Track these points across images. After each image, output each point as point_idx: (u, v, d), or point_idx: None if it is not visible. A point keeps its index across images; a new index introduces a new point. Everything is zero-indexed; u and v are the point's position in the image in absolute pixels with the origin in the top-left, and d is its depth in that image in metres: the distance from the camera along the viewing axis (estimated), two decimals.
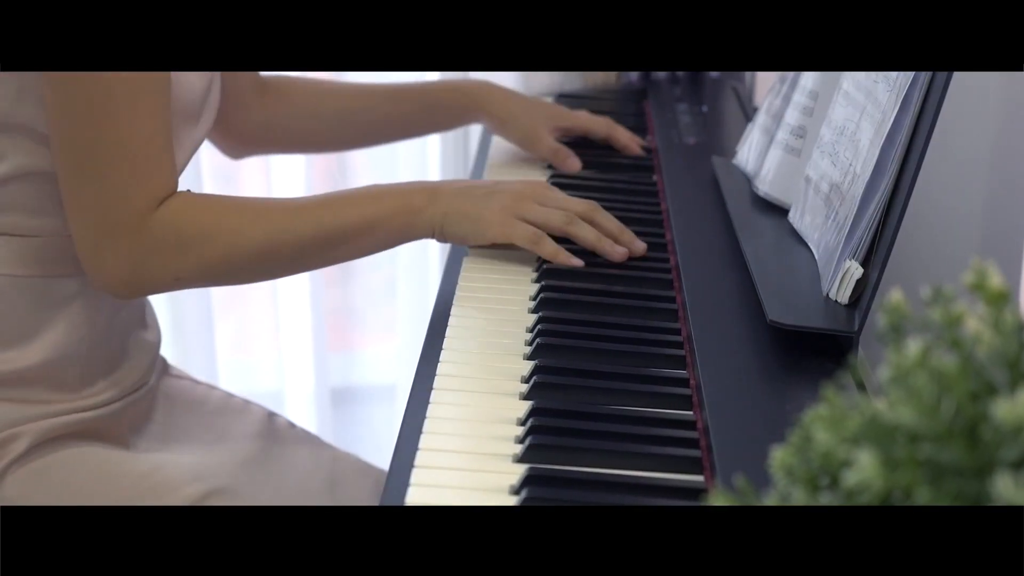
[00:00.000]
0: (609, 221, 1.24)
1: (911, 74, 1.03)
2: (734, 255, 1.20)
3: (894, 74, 1.07)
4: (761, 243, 1.20)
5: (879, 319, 0.58)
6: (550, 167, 1.50)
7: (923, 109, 1.01)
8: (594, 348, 1.07)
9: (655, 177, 1.48)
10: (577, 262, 1.21)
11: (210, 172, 2.21)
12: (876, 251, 1.02)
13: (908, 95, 1.03)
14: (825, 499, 0.57)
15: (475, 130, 1.96)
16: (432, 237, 1.21)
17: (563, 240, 1.23)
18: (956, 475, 0.53)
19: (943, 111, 1.00)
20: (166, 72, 1.11)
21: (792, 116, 1.29)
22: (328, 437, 2.23)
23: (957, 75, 1.00)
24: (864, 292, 1.02)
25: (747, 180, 1.35)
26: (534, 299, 1.16)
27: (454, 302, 1.16)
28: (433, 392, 1.00)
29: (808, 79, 1.28)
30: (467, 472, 0.90)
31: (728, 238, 1.24)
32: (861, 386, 0.96)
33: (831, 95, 1.21)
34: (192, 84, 1.18)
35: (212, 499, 1.20)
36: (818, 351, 1.03)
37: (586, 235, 1.22)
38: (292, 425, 1.40)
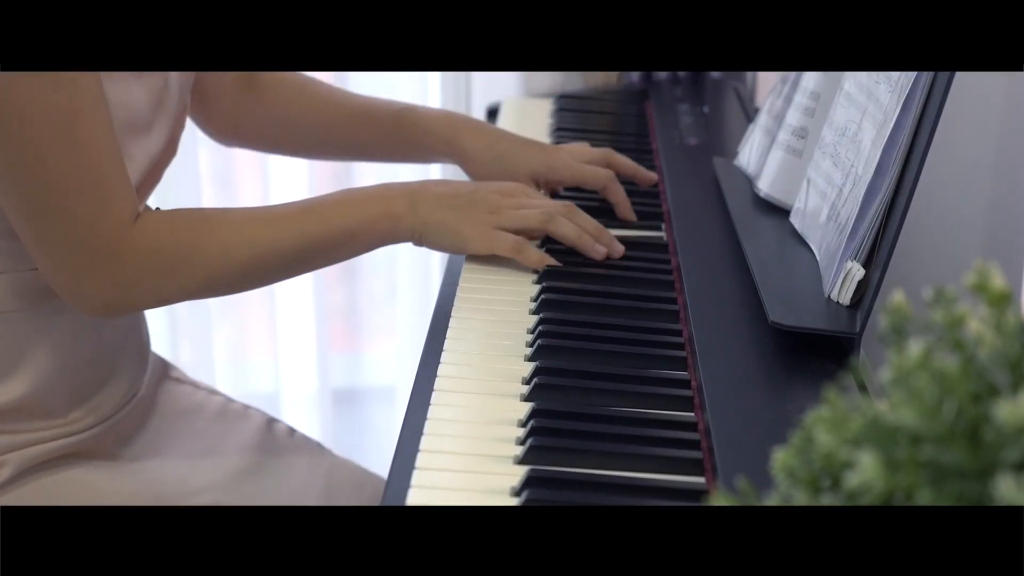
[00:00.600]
0: (588, 221, 1.24)
1: (913, 75, 1.03)
2: (735, 256, 1.20)
3: (896, 75, 1.07)
4: (762, 244, 1.20)
5: (881, 320, 0.58)
6: None
7: (925, 110, 1.01)
8: (595, 349, 1.06)
9: (656, 178, 1.48)
10: (557, 263, 1.20)
11: (209, 176, 2.21)
12: (878, 252, 1.02)
13: (910, 96, 1.02)
14: (826, 501, 0.57)
15: None
16: (412, 242, 1.20)
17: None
18: (958, 477, 0.53)
19: (945, 112, 0.99)
20: (98, 91, 1.06)
21: (793, 117, 1.28)
22: (329, 438, 2.23)
23: (959, 76, 1.00)
24: (866, 293, 1.02)
25: (748, 181, 1.35)
26: (535, 300, 1.16)
27: (455, 304, 1.16)
28: (434, 393, 1.00)
29: (809, 80, 1.28)
30: (468, 474, 0.90)
31: (729, 239, 1.24)
32: (863, 387, 0.96)
33: (833, 96, 1.21)
34: (133, 96, 1.14)
35: None
36: (819, 352, 1.03)
37: (566, 231, 1.21)
38: (292, 432, 1.39)
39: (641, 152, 1.56)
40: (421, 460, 0.91)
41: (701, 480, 0.90)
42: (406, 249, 2.16)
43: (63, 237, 1.07)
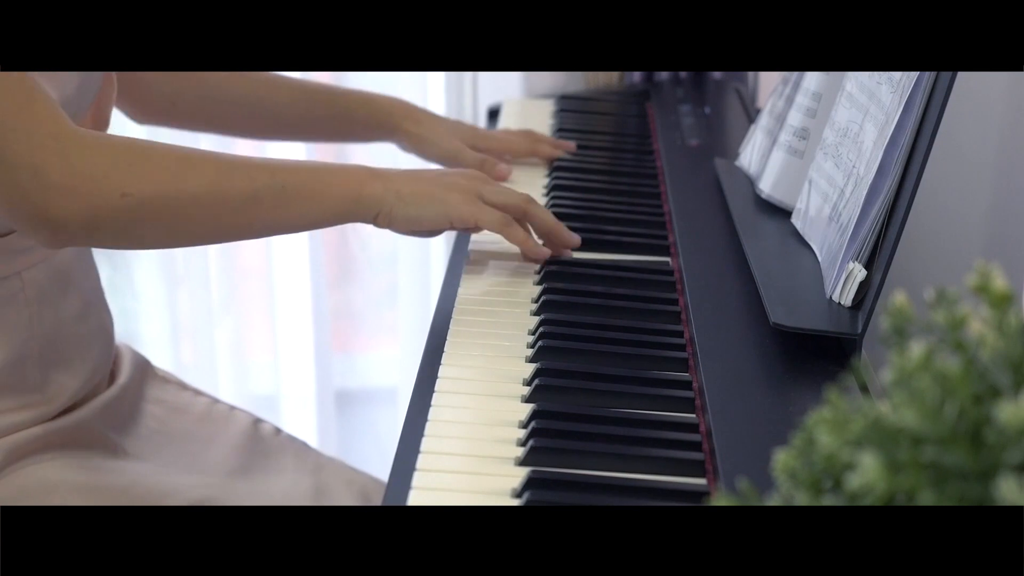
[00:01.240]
0: (545, 216, 1.23)
1: (914, 76, 1.03)
2: (737, 257, 1.20)
3: (897, 75, 1.06)
4: (764, 245, 1.19)
5: (882, 321, 0.58)
6: (551, 166, 1.49)
7: (927, 111, 1.01)
8: (596, 350, 1.06)
9: (658, 179, 1.48)
10: (545, 252, 1.21)
11: None
12: (879, 253, 1.02)
13: (912, 96, 1.02)
14: (828, 502, 0.57)
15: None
16: (373, 221, 1.16)
17: None
18: (960, 478, 0.53)
19: (946, 113, 0.99)
20: None
21: (795, 118, 1.28)
22: (330, 440, 2.23)
23: (960, 77, 1.00)
24: (867, 294, 1.02)
25: (750, 182, 1.35)
26: (536, 301, 1.16)
27: (456, 305, 1.16)
28: (435, 395, 1.00)
29: (811, 80, 1.28)
30: (469, 475, 0.90)
31: (731, 240, 1.24)
32: (864, 389, 0.96)
33: (834, 97, 1.21)
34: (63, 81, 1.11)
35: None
36: (821, 353, 1.02)
37: (544, 218, 1.22)
38: (278, 431, 1.39)
39: (642, 153, 1.56)
40: (422, 461, 0.91)
41: (702, 482, 0.90)
42: (407, 249, 2.16)
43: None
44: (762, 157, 1.34)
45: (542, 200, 1.40)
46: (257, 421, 1.38)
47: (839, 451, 0.56)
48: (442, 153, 1.44)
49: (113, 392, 1.26)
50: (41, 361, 1.19)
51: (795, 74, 1.33)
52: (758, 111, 1.52)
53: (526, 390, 1.00)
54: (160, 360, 1.40)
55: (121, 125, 1.37)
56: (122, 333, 1.80)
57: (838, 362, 1.01)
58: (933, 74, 1.01)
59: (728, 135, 1.65)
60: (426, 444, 0.93)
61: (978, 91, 1.25)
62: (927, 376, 0.54)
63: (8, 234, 1.15)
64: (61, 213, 1.05)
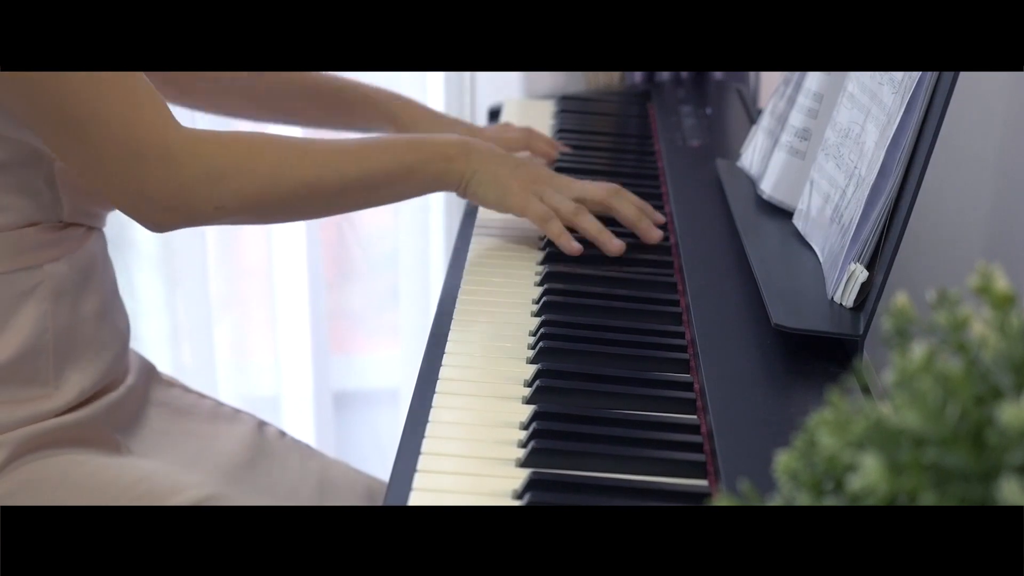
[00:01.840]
0: (628, 207, 1.28)
1: (916, 76, 1.03)
2: (738, 258, 1.19)
3: (899, 76, 1.06)
4: (765, 246, 1.19)
5: (884, 322, 0.58)
6: (552, 168, 1.49)
7: (928, 111, 1.01)
8: (597, 352, 1.06)
9: (659, 180, 1.48)
10: (576, 247, 1.24)
11: None
12: (881, 254, 1.02)
13: (913, 97, 1.02)
14: (829, 503, 0.56)
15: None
16: (456, 190, 1.25)
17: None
18: (961, 479, 0.53)
19: (948, 114, 0.99)
20: None
21: (796, 118, 1.28)
22: (330, 441, 2.23)
23: (962, 77, 1.00)
24: (869, 295, 1.02)
25: (751, 183, 1.35)
26: (537, 302, 1.16)
27: (457, 305, 1.16)
28: (435, 396, 1.00)
29: (812, 81, 1.27)
30: (469, 476, 0.90)
31: (732, 241, 1.24)
32: (866, 390, 0.95)
33: (835, 97, 1.21)
34: None
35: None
36: (823, 355, 1.02)
37: (587, 228, 1.25)
38: (282, 434, 1.40)
39: (643, 154, 1.56)
40: (423, 463, 0.91)
41: (704, 483, 0.90)
42: (407, 250, 2.16)
43: (103, 141, 1.09)
44: (763, 158, 1.34)
45: None
46: (262, 424, 1.39)
47: (841, 452, 0.56)
48: None
49: (120, 393, 1.26)
50: (56, 356, 1.20)
51: (796, 75, 1.33)
52: (759, 112, 1.52)
53: (527, 391, 1.00)
54: (159, 361, 1.40)
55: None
56: None
57: (839, 363, 1.01)
58: (935, 74, 1.01)
59: (729, 136, 1.65)
60: (427, 445, 0.93)
61: (979, 92, 1.24)
62: (929, 377, 0.53)
63: (34, 225, 1.17)
64: (160, 223, 1.16)
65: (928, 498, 0.53)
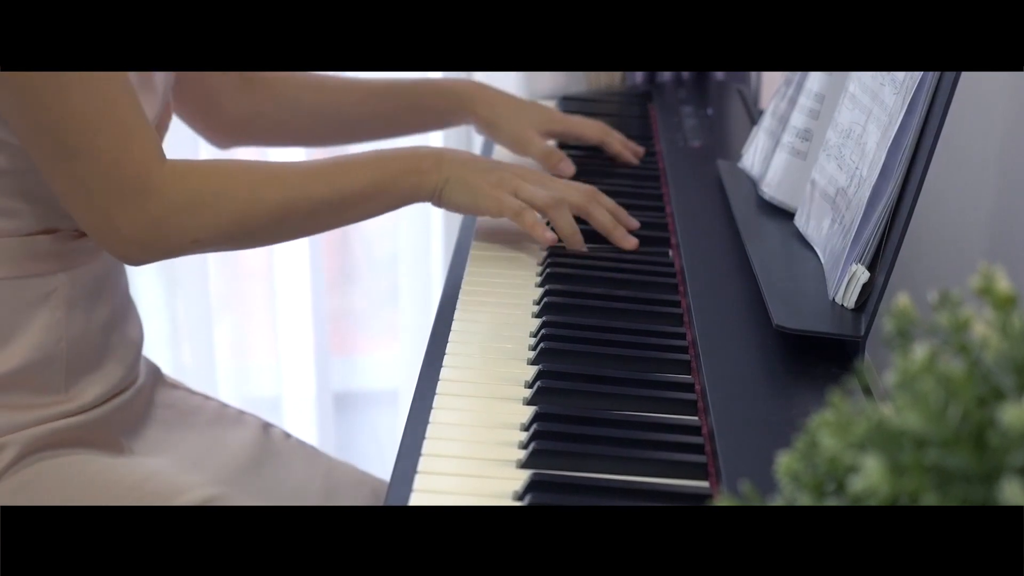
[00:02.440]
0: (603, 214, 1.27)
1: (917, 77, 1.03)
2: (739, 259, 1.19)
3: (900, 77, 1.06)
4: (767, 247, 1.19)
5: (886, 323, 0.58)
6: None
7: (930, 112, 1.01)
8: (598, 352, 1.06)
9: (660, 180, 1.48)
10: (551, 237, 1.23)
11: None
12: (883, 255, 1.01)
13: (915, 97, 1.02)
14: (831, 505, 0.56)
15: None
16: (431, 201, 1.24)
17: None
18: (963, 481, 0.53)
19: (949, 114, 0.99)
20: None
21: (798, 119, 1.28)
22: (330, 442, 2.23)
23: (963, 78, 0.99)
24: (870, 296, 1.02)
25: (752, 183, 1.34)
26: (538, 303, 1.16)
27: (457, 306, 1.16)
28: (436, 397, 1.00)
29: (814, 82, 1.27)
30: (470, 478, 0.90)
31: (733, 242, 1.24)
32: (867, 391, 0.95)
33: (837, 98, 1.21)
34: None
35: None
36: (824, 356, 1.02)
37: (562, 225, 1.24)
38: (287, 436, 1.40)
39: (644, 154, 1.56)
40: (423, 464, 0.90)
41: (705, 484, 0.89)
42: (407, 250, 2.16)
43: (90, 176, 1.10)
44: (765, 158, 1.34)
45: None
46: (267, 426, 1.39)
47: (842, 454, 0.56)
48: (511, 139, 1.47)
49: (128, 396, 1.27)
50: (68, 366, 1.20)
51: (798, 75, 1.33)
52: (760, 112, 1.52)
53: (528, 392, 1.00)
54: (160, 362, 1.40)
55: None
56: None
57: (841, 364, 1.01)
58: (936, 75, 1.01)
59: (730, 136, 1.65)
60: (427, 446, 0.93)
61: (981, 92, 1.24)
62: (930, 378, 0.53)
63: (50, 233, 1.17)
64: (128, 256, 1.17)
65: (930, 499, 0.53)
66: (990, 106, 1.26)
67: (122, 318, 1.28)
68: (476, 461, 0.92)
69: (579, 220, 1.26)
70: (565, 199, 1.25)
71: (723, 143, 1.60)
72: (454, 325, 1.12)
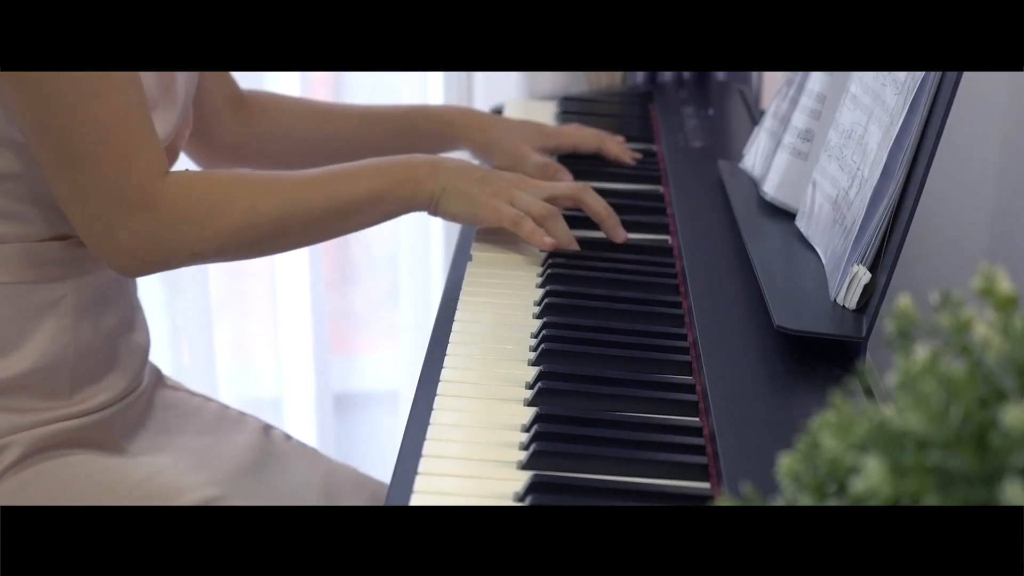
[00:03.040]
0: (597, 202, 1.28)
1: (919, 77, 1.02)
2: (740, 260, 1.19)
3: (902, 77, 1.06)
4: (768, 248, 1.19)
5: (887, 324, 0.58)
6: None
7: (931, 112, 1.01)
8: (599, 354, 1.06)
9: (661, 181, 1.48)
10: (550, 242, 1.23)
11: None
12: (884, 256, 1.01)
13: (916, 98, 1.02)
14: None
15: None
16: (427, 210, 1.24)
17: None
18: (965, 482, 0.52)
19: (950, 115, 0.99)
20: None
21: (799, 119, 1.28)
22: (330, 443, 2.23)
23: (965, 78, 0.99)
24: (872, 297, 1.02)
25: (753, 184, 1.34)
26: (538, 304, 1.16)
27: (458, 307, 1.16)
28: (436, 398, 1.00)
29: (815, 82, 1.27)
30: (471, 479, 0.90)
31: (734, 243, 1.24)
32: (869, 392, 0.95)
33: (838, 98, 1.21)
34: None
35: None
36: (825, 357, 1.02)
37: (559, 236, 1.24)
38: (288, 437, 1.40)
39: (645, 155, 1.56)
40: (424, 465, 0.90)
41: (706, 485, 0.89)
42: (408, 251, 2.16)
43: (94, 186, 1.10)
44: (766, 159, 1.34)
45: None
46: (268, 427, 1.39)
47: (843, 455, 0.56)
48: (506, 158, 1.46)
49: (131, 399, 1.27)
50: (74, 372, 1.20)
51: (799, 76, 1.33)
52: (762, 113, 1.52)
53: (528, 393, 1.00)
54: (160, 362, 1.40)
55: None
56: None
57: (842, 365, 1.01)
58: (938, 75, 1.01)
59: (732, 137, 1.65)
60: (428, 447, 0.93)
61: (981, 92, 1.24)
62: (932, 379, 0.53)
63: (61, 239, 1.18)
64: (127, 269, 1.16)
65: (931, 500, 0.52)
66: (990, 106, 1.26)
67: (129, 326, 1.28)
68: (477, 462, 0.92)
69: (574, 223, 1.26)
70: (557, 198, 1.26)
71: (724, 143, 1.60)
72: (455, 326, 1.12)
